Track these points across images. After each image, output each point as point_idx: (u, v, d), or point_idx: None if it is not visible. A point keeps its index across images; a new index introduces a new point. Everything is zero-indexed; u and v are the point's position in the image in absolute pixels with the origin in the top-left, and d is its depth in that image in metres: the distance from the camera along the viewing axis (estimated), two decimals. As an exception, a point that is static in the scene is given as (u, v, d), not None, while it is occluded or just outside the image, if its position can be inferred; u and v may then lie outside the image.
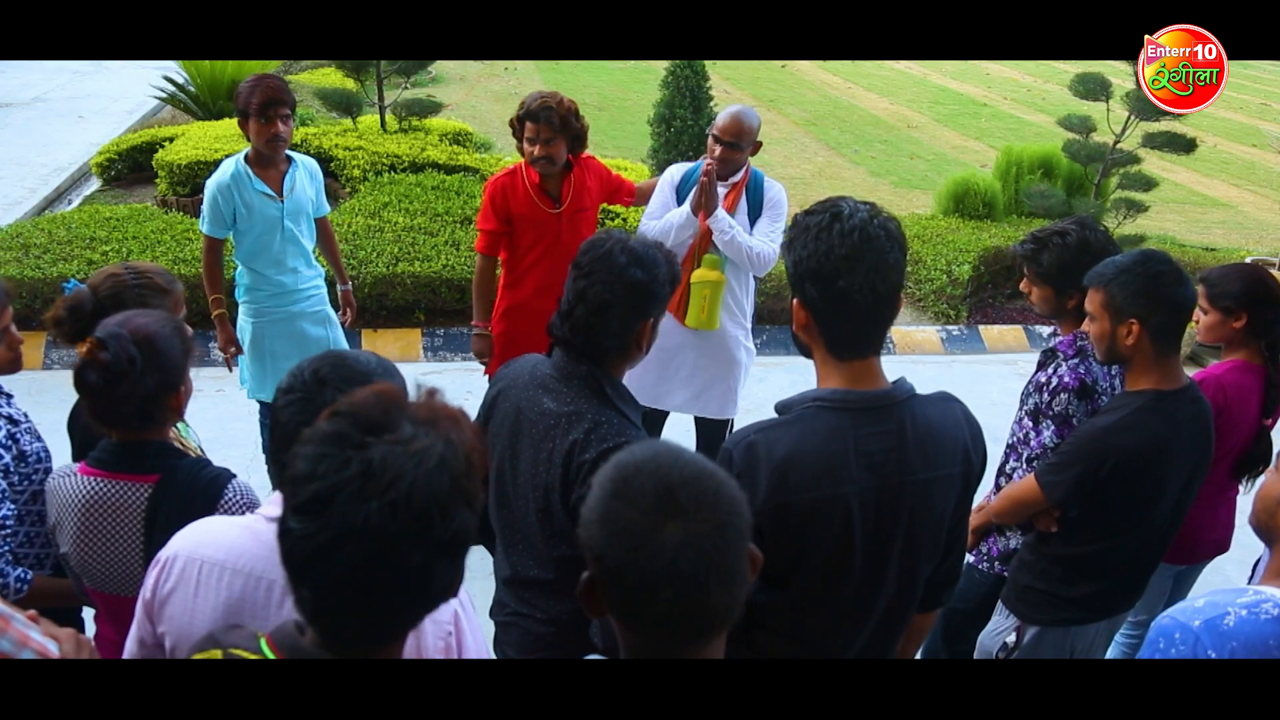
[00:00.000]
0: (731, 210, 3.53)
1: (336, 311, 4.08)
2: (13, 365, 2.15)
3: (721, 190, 3.53)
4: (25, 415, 2.17)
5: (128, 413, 1.78)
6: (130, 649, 1.54)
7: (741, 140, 3.46)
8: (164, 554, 1.50)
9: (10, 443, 2.07)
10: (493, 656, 1.51)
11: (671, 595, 1.04)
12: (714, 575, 1.04)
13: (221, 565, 1.45)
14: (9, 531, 2.02)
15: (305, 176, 3.70)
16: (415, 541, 0.99)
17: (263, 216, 3.57)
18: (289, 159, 3.64)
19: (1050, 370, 2.48)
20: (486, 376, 3.95)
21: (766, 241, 3.54)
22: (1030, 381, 2.54)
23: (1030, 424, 2.50)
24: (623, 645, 1.15)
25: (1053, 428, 2.44)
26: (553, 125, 3.44)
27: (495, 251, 3.73)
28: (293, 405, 1.43)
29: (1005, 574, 2.63)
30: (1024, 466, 2.50)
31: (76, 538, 1.79)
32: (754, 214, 3.60)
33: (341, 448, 1.00)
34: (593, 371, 1.91)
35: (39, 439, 2.16)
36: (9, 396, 2.16)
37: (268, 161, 3.56)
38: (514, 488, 1.98)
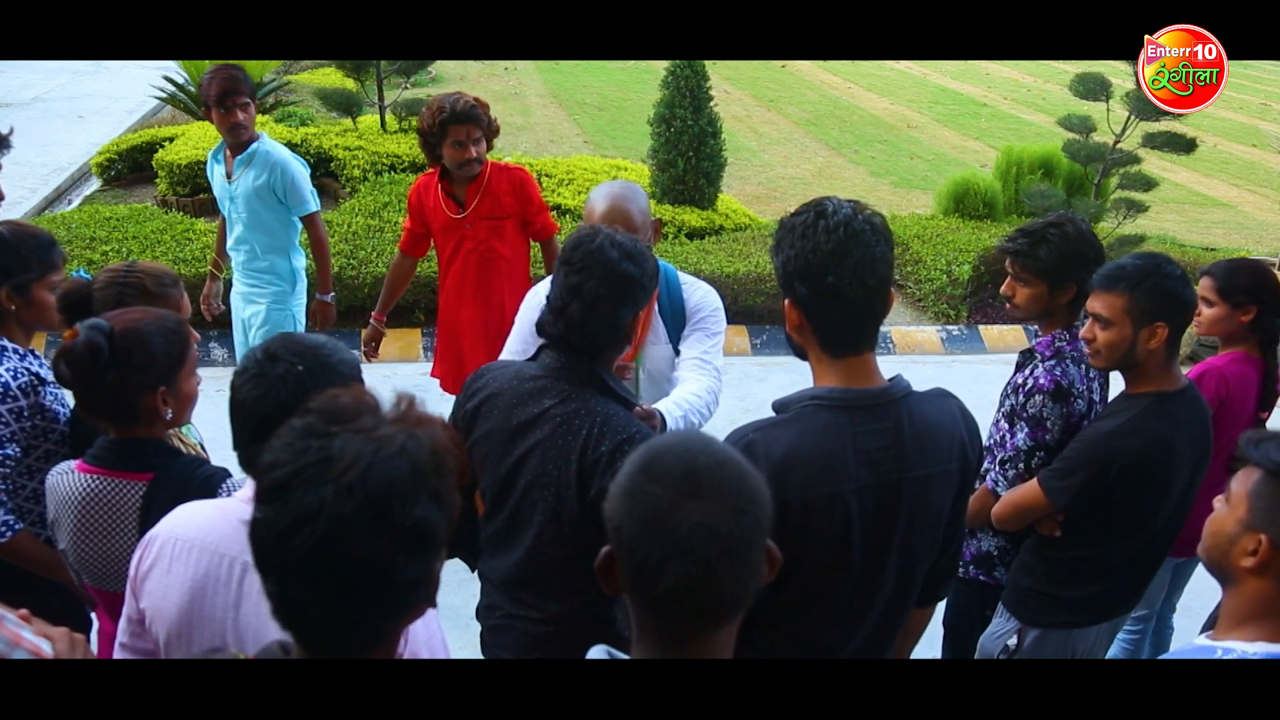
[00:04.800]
0: (645, 331, 2.50)
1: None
2: (48, 323, 2.23)
3: None
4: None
5: (102, 406, 1.80)
6: (121, 625, 1.60)
7: (640, 233, 2.37)
8: (148, 535, 1.57)
9: (31, 391, 2.11)
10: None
11: (680, 572, 1.06)
12: (724, 559, 1.07)
13: (191, 543, 1.51)
14: (8, 470, 2.07)
15: (262, 167, 3.74)
16: (370, 526, 0.99)
17: (218, 191, 3.89)
18: (252, 147, 3.73)
19: (1027, 372, 2.44)
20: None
21: (703, 381, 2.38)
22: (1009, 383, 2.51)
23: (1006, 426, 2.47)
24: (634, 623, 1.17)
25: (1026, 430, 2.40)
26: (481, 124, 3.39)
27: (412, 251, 3.81)
28: (247, 384, 1.50)
29: (980, 577, 2.61)
30: (996, 468, 2.46)
31: (73, 534, 1.80)
32: (672, 325, 2.53)
33: (306, 438, 1.03)
34: (589, 366, 1.91)
35: (61, 404, 2.18)
36: (40, 360, 2.20)
37: (232, 145, 3.76)
38: (511, 492, 1.96)
